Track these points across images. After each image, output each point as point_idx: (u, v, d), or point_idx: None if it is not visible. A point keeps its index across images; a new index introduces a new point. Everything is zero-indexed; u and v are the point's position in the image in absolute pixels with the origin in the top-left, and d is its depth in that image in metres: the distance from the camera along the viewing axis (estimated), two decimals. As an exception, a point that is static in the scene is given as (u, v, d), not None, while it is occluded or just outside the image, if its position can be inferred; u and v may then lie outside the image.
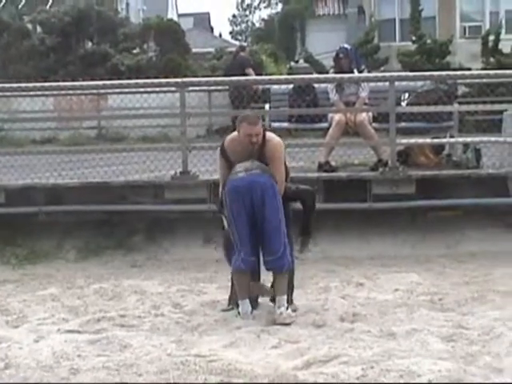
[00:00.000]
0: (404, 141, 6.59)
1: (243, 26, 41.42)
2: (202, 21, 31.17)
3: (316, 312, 4.18)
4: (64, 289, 5.03)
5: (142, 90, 8.13)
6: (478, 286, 4.79)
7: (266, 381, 3.13)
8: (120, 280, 5.23)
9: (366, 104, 6.71)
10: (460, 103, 7.50)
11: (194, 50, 16.69)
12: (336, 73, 6.83)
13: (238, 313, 4.12)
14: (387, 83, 6.35)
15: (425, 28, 15.13)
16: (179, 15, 29.79)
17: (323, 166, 6.45)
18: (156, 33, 15.50)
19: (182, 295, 4.75)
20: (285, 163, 4.21)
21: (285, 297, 4.05)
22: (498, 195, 6.06)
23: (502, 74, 7.18)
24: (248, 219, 3.97)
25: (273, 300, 4.15)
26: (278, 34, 21.27)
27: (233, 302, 4.25)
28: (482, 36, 14.06)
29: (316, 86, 6.94)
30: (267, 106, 7.08)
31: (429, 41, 14.44)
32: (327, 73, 8.69)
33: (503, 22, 15.74)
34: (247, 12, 41.50)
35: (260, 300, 4.30)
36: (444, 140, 6.71)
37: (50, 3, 18.81)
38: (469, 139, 6.73)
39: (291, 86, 6.97)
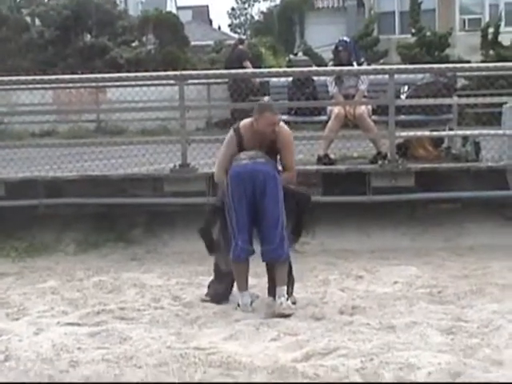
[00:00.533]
0: (403, 133, 6.57)
1: (242, 18, 41.28)
2: (201, 13, 31.02)
3: (315, 305, 4.19)
4: (64, 281, 5.03)
5: (140, 82, 8.11)
6: (477, 279, 4.79)
7: (265, 373, 3.13)
8: (119, 273, 5.23)
9: (365, 97, 6.70)
10: (459, 96, 7.49)
11: (192, 43, 16.65)
12: (335, 65, 6.81)
13: (238, 305, 4.13)
14: (387, 76, 6.34)
15: (424, 20, 15.08)
16: (178, 8, 29.66)
17: (322, 159, 6.44)
18: (155, 25, 15.45)
19: (181, 288, 4.75)
20: None
21: (285, 287, 4.05)
22: (497, 188, 6.05)
23: (502, 67, 7.17)
24: (248, 207, 3.98)
25: (270, 293, 4.15)
26: (277, 26, 21.18)
27: (211, 291, 4.24)
28: (482, 28, 14.02)
29: (315, 78, 6.92)
30: (266, 99, 7.04)
31: (428, 33, 14.40)
32: (326, 66, 8.66)
33: (503, 14, 15.70)
34: (246, 5, 41.35)
35: (259, 293, 4.31)
36: (443, 133, 6.70)
37: (48, -4, 18.71)
38: (468, 132, 6.72)
39: (290, 78, 6.95)
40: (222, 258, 4.26)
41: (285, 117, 6.94)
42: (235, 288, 4.23)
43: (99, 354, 3.35)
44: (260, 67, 12.00)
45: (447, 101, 6.61)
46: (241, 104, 7.40)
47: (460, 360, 3.18)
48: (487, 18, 16.14)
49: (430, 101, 6.41)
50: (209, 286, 4.38)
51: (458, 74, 7.95)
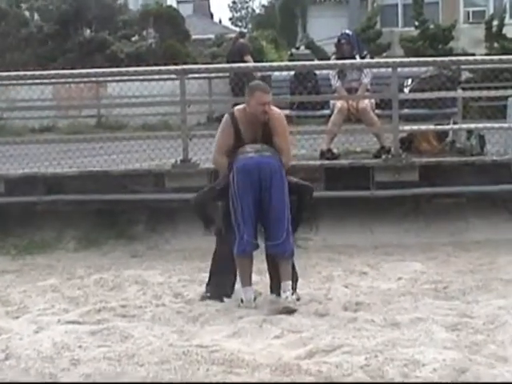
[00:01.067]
0: (407, 127, 6.53)
1: (243, 12, 41.15)
2: (202, 7, 30.89)
3: (319, 301, 4.15)
4: (64, 279, 5.00)
5: (141, 77, 8.08)
6: (483, 275, 4.75)
7: (268, 370, 3.10)
8: (121, 270, 5.20)
9: (368, 90, 6.64)
10: (464, 89, 7.45)
11: (193, 37, 16.60)
12: (338, 59, 6.76)
13: (241, 300, 4.08)
14: (390, 69, 6.28)
15: (428, 13, 15.00)
16: (178, 1, 29.52)
17: (325, 154, 6.39)
18: (155, 19, 15.40)
19: (183, 285, 4.71)
20: None
21: (290, 282, 4.01)
22: (502, 182, 6.00)
23: (507, 60, 7.10)
24: (254, 200, 3.94)
25: (272, 290, 4.11)
26: (278, 20, 21.10)
27: (210, 288, 4.21)
28: (486, 21, 13.94)
29: (317, 72, 6.86)
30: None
31: (432, 26, 14.32)
32: (329, 59, 8.61)
33: (507, 6, 15.64)
34: (247, -2, 41.19)
35: (261, 290, 4.26)
36: (447, 126, 6.66)
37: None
38: (473, 125, 6.67)
39: (292, 72, 6.89)
40: (222, 244, 4.20)
41: (287, 111, 6.90)
42: (237, 285, 4.18)
43: (100, 352, 3.32)
44: (261, 61, 11.94)
45: (451, 94, 6.56)
46: (242, 98, 7.33)
47: (465, 356, 3.15)
48: (491, 11, 16.06)
49: (434, 94, 6.35)
50: (207, 284, 4.33)
51: (462, 66, 7.90)
